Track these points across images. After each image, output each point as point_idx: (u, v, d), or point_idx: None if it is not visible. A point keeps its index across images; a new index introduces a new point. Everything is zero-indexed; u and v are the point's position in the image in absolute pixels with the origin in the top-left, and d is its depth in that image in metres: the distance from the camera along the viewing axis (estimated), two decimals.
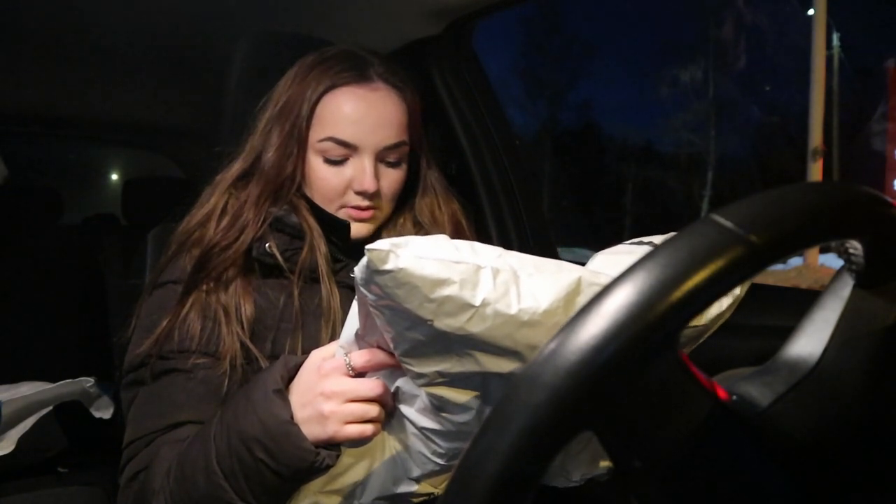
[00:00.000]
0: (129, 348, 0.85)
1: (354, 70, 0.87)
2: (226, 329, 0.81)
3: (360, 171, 0.86)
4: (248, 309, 0.82)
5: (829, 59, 9.80)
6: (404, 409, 0.64)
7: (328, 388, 0.64)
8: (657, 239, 0.68)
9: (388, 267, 0.50)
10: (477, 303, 0.50)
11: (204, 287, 0.83)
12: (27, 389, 1.52)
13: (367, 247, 0.51)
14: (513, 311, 0.50)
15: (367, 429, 0.65)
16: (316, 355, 0.68)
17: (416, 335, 0.53)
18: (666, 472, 0.35)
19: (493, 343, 0.51)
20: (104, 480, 1.39)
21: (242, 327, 0.81)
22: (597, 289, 0.50)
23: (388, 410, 0.67)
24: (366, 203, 0.87)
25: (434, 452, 0.64)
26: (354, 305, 0.62)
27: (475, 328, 0.50)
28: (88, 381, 1.64)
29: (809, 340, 0.40)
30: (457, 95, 1.38)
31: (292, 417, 0.66)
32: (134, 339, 0.85)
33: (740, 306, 0.63)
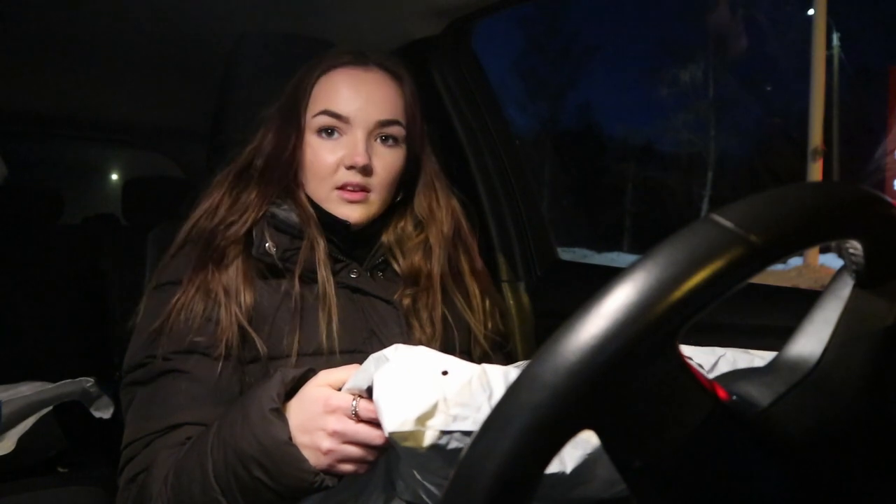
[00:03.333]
0: (128, 349, 0.85)
1: (351, 56, 0.91)
2: (225, 311, 0.81)
3: (352, 145, 0.86)
4: (248, 296, 0.83)
5: (829, 59, 9.79)
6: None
7: (331, 426, 0.64)
8: None
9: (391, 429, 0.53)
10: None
11: (206, 270, 0.84)
12: (27, 389, 1.51)
13: (389, 431, 0.53)
14: None
15: (362, 468, 0.66)
16: (322, 379, 0.67)
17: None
18: (666, 472, 0.35)
19: None
20: (104, 480, 1.38)
21: (241, 310, 0.82)
22: None
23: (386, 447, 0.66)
24: (357, 180, 0.87)
25: (427, 492, 0.64)
26: (370, 360, 0.62)
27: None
28: (88, 381, 1.64)
29: (809, 340, 0.40)
30: (457, 95, 1.38)
31: (291, 438, 0.65)
32: (133, 339, 0.85)
33: (741, 306, 0.62)
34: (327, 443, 0.64)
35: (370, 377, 0.61)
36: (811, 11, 9.67)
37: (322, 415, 0.64)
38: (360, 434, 0.63)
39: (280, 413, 0.66)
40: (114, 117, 2.43)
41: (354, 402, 0.63)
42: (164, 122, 2.45)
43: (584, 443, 0.55)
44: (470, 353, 0.96)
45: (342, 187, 0.87)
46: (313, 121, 0.87)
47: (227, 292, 0.82)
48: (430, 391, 0.53)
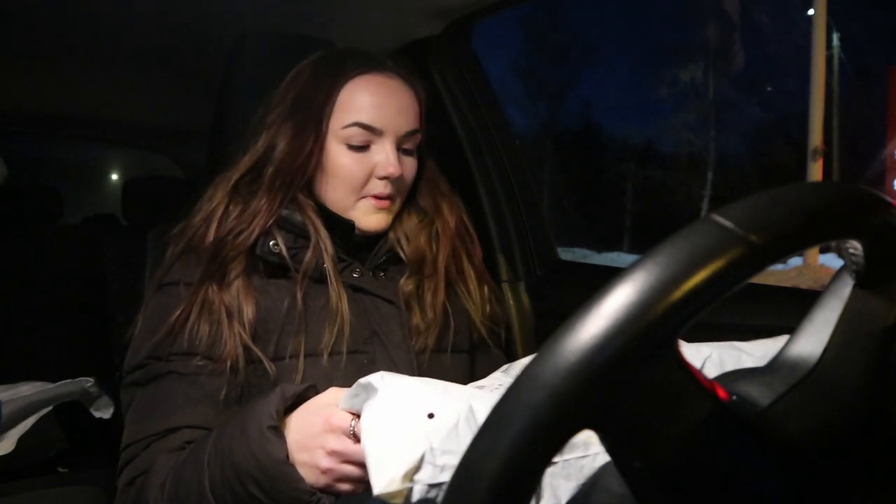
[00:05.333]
0: (129, 349, 0.85)
1: (370, 61, 0.90)
2: (228, 331, 0.80)
3: (384, 156, 0.86)
4: (249, 311, 0.82)
5: (829, 59, 9.79)
6: None
7: (331, 445, 0.63)
8: None
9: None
10: None
11: (209, 286, 0.83)
12: (27, 389, 1.52)
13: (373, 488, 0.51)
14: None
15: (359, 488, 0.65)
16: (330, 397, 0.67)
17: None
18: (666, 471, 0.35)
19: None
20: (104, 480, 1.38)
21: (244, 328, 0.81)
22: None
23: None
24: (388, 190, 0.88)
25: None
26: (358, 386, 0.62)
27: None
28: (88, 381, 1.64)
29: (809, 340, 0.40)
30: (457, 95, 1.38)
31: (288, 457, 0.65)
32: (135, 339, 0.85)
33: (741, 306, 0.62)
34: (326, 462, 0.63)
35: (362, 402, 0.61)
36: (811, 11, 9.66)
37: (322, 433, 0.64)
38: (359, 454, 0.62)
39: (278, 431, 0.66)
40: (114, 117, 2.43)
41: (353, 422, 0.63)
42: (164, 122, 2.45)
43: (577, 473, 0.55)
44: (470, 337, 0.97)
45: (374, 196, 0.88)
46: (343, 131, 0.86)
47: (229, 313, 0.81)
48: (416, 441, 0.52)
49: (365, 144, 0.87)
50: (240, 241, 0.84)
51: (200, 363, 0.80)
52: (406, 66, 0.93)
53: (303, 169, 0.87)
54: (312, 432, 0.65)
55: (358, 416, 0.63)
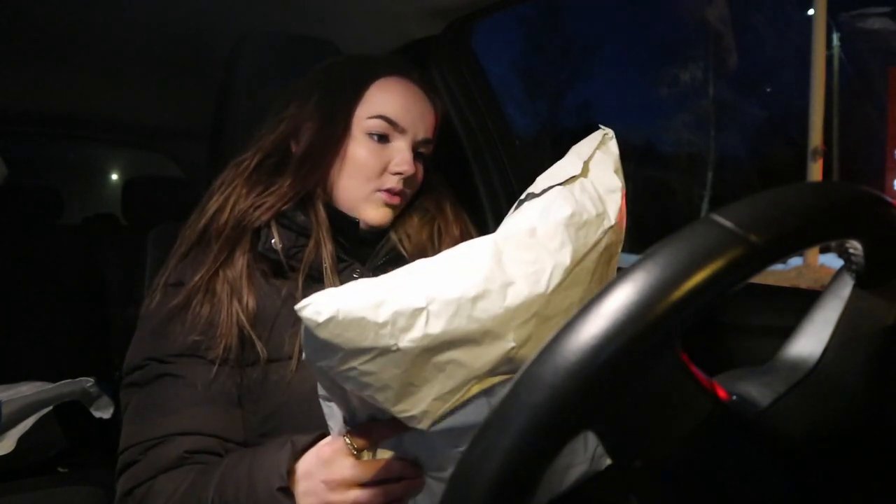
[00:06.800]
0: (129, 348, 0.85)
1: (398, 67, 0.93)
2: (226, 312, 0.81)
3: (401, 153, 0.89)
4: (250, 302, 0.82)
5: (829, 59, 9.79)
6: (429, 473, 0.61)
7: (331, 475, 0.62)
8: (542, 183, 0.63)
9: (326, 317, 0.49)
10: (423, 303, 0.49)
11: (216, 270, 0.83)
12: (27, 389, 1.52)
13: (297, 308, 0.49)
14: (457, 293, 0.50)
15: None
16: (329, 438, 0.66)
17: (393, 371, 0.51)
18: (666, 472, 0.35)
19: (461, 336, 0.50)
20: (104, 480, 1.38)
21: (242, 311, 0.81)
22: (514, 242, 0.52)
23: (411, 478, 0.62)
24: (399, 187, 0.89)
25: None
26: (324, 406, 0.61)
27: (436, 328, 0.49)
28: (88, 381, 1.64)
29: (809, 340, 0.40)
30: (457, 95, 1.38)
31: None
32: (135, 340, 0.85)
33: (741, 306, 0.62)
34: (332, 496, 0.62)
35: (337, 415, 0.60)
36: (811, 11, 9.66)
37: (319, 468, 0.63)
38: (358, 474, 0.61)
39: (288, 492, 0.65)
40: (114, 117, 2.43)
41: (347, 440, 0.62)
42: (164, 122, 2.45)
43: None
44: None
45: (385, 190, 0.89)
46: (367, 121, 0.88)
47: (230, 293, 0.82)
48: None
49: (385, 136, 0.89)
50: (259, 214, 0.85)
51: (198, 338, 0.80)
52: (428, 81, 0.96)
53: (331, 153, 0.88)
54: (311, 471, 0.64)
55: (349, 433, 0.62)
